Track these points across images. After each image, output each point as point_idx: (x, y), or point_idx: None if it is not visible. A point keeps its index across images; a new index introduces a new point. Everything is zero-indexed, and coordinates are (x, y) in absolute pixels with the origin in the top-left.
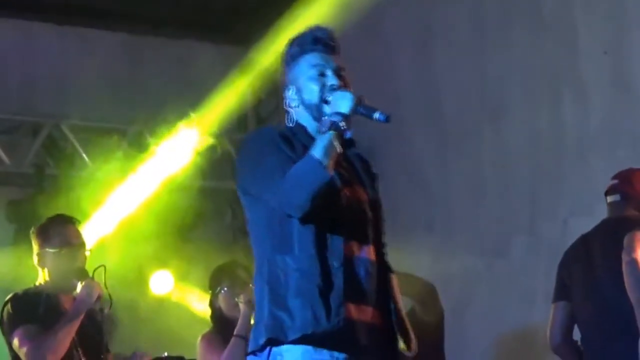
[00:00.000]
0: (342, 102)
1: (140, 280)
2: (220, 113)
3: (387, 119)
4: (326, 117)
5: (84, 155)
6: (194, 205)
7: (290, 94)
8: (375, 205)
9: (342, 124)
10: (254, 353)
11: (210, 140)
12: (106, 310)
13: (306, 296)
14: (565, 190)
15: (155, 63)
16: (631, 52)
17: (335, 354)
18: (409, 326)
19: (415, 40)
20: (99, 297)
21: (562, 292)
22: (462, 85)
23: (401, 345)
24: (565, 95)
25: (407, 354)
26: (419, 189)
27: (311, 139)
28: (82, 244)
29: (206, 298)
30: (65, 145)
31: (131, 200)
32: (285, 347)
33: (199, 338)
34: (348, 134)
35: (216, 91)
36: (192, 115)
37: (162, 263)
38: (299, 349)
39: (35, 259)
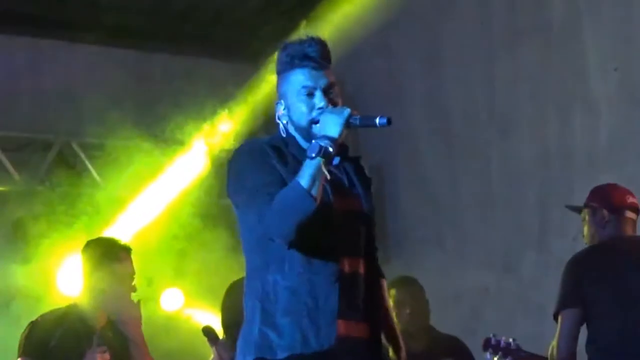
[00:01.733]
0: (331, 125)
1: (150, 297)
2: (229, 131)
3: (388, 121)
4: (314, 141)
5: (94, 172)
6: (204, 221)
7: (280, 109)
8: (368, 214)
9: (331, 149)
10: None
11: (221, 157)
12: None
13: (295, 315)
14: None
15: (165, 80)
16: (639, 67)
17: None
18: (398, 335)
19: (424, 56)
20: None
21: (576, 297)
22: (470, 101)
23: (391, 354)
24: (575, 111)
25: None
26: (428, 206)
27: (302, 151)
28: (133, 276)
29: (217, 313)
30: (75, 162)
31: (142, 217)
32: None
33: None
34: (336, 160)
35: (225, 109)
36: (204, 130)
37: (173, 280)
38: None
39: (82, 277)
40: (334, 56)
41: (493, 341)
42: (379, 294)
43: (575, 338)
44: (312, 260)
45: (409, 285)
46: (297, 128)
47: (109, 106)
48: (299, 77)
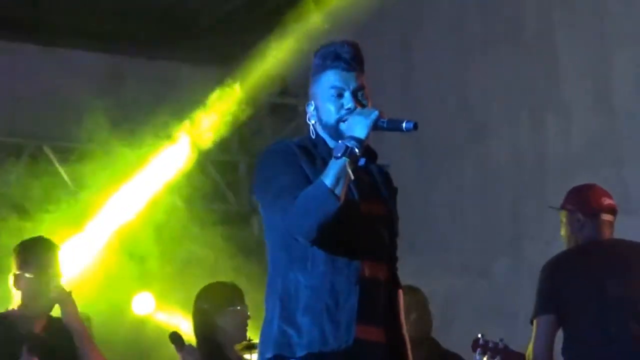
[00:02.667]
0: (358, 127)
1: (122, 302)
2: (203, 134)
3: (415, 126)
4: (340, 142)
5: (66, 176)
6: (176, 226)
7: (310, 110)
8: (392, 220)
9: (357, 150)
10: None
11: (193, 161)
12: None
13: (315, 314)
14: (549, 211)
15: (138, 84)
16: (612, 73)
17: None
18: (408, 344)
19: (397, 60)
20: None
21: (551, 304)
22: (443, 105)
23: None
24: (548, 116)
25: None
26: (400, 209)
27: (331, 152)
28: (58, 272)
29: (188, 318)
30: (47, 166)
31: (114, 221)
32: None
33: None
34: (362, 161)
35: (199, 112)
36: (179, 134)
37: (145, 284)
38: None
39: (11, 279)
40: (306, 61)
41: (481, 341)
42: (397, 302)
43: (550, 343)
44: (335, 260)
45: (415, 293)
46: (325, 127)
47: (82, 110)
48: (330, 78)
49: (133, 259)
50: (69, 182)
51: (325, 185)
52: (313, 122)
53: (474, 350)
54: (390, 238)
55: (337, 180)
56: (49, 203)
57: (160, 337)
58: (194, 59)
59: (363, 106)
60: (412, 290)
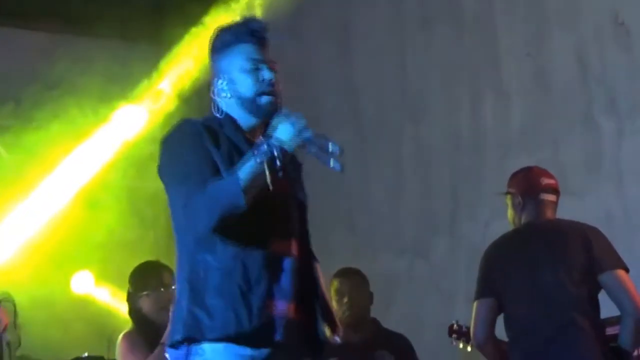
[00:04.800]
0: (288, 139)
1: (61, 280)
2: (142, 113)
3: (341, 169)
4: (266, 143)
5: (4, 152)
6: (115, 204)
7: (221, 84)
8: (299, 198)
9: (279, 162)
10: (171, 347)
11: (132, 138)
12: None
13: (228, 296)
14: (487, 192)
15: (80, 62)
16: (551, 53)
17: (256, 351)
18: (334, 313)
19: (334, 40)
20: (5, 327)
21: (488, 288)
22: (381, 86)
23: (327, 332)
24: (486, 96)
25: (334, 340)
26: (338, 189)
27: (239, 133)
28: None
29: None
30: None
31: (54, 199)
32: (206, 344)
33: (120, 337)
34: (280, 174)
35: (138, 91)
36: (120, 108)
37: (83, 262)
38: (220, 346)
39: None
40: None
41: (455, 326)
42: (312, 277)
43: (489, 324)
44: (245, 242)
45: (350, 276)
46: (242, 100)
47: (19, 88)
48: (246, 50)
49: (73, 236)
50: (7, 158)
51: (238, 184)
52: (224, 95)
53: (450, 336)
54: (299, 214)
55: (252, 182)
56: None
57: (99, 316)
58: (132, 38)
59: (278, 81)
60: (347, 274)
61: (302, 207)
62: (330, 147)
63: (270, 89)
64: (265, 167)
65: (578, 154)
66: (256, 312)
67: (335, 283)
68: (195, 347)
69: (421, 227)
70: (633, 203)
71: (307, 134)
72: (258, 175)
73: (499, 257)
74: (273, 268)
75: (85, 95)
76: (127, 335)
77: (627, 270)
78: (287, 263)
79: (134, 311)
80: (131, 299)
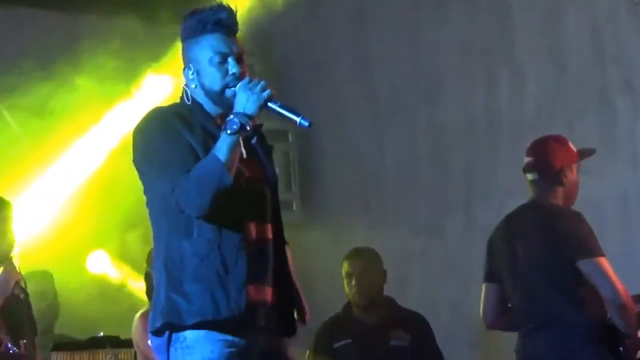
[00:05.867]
0: (249, 103)
1: (76, 260)
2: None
3: (309, 125)
4: (233, 117)
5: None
6: (132, 186)
7: (189, 74)
8: (273, 181)
9: (249, 127)
10: (154, 333)
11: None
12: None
13: (205, 282)
14: (501, 172)
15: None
16: (566, 34)
17: (236, 339)
18: (303, 298)
19: (350, 22)
20: (17, 282)
21: (491, 274)
22: (397, 66)
23: (295, 316)
24: (501, 77)
25: (302, 325)
26: (354, 169)
27: (209, 118)
28: (8, 232)
29: (142, 278)
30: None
31: (71, 179)
32: (188, 332)
33: (136, 317)
34: (254, 140)
35: (164, 61)
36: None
37: (100, 243)
38: (201, 332)
39: None
40: (260, 24)
41: None
42: (286, 260)
43: (496, 308)
44: (221, 227)
45: (359, 256)
46: (209, 93)
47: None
48: (212, 42)
49: (90, 216)
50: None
51: (220, 161)
52: (193, 86)
53: None
54: (272, 198)
55: (231, 156)
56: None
57: (116, 296)
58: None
59: (244, 72)
60: (356, 255)
61: (274, 189)
62: (300, 119)
63: (236, 82)
64: (239, 137)
65: (593, 134)
66: (234, 296)
67: (345, 265)
68: (176, 335)
69: (436, 207)
70: None
71: (266, 93)
72: (234, 148)
73: (493, 243)
74: (249, 252)
75: (106, 71)
76: (143, 314)
77: (604, 256)
78: (263, 247)
79: (151, 291)
80: (149, 278)
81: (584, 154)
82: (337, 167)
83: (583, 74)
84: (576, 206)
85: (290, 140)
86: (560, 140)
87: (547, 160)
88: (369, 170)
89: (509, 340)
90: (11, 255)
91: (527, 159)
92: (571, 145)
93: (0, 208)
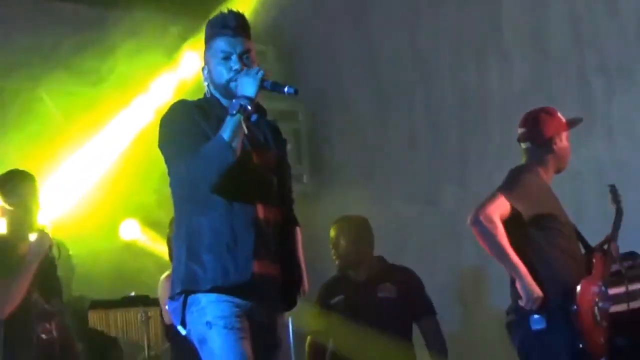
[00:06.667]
0: (247, 86)
1: (111, 228)
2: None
3: (295, 92)
4: (234, 100)
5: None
6: (159, 161)
7: (205, 73)
8: (283, 167)
9: (249, 107)
10: (171, 298)
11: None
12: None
13: (217, 252)
14: (491, 146)
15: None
16: (548, 22)
17: (243, 301)
18: (304, 275)
19: (353, 12)
20: (51, 247)
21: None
22: (397, 51)
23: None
24: (491, 60)
25: (299, 297)
26: (359, 143)
27: (224, 111)
28: (36, 202)
29: (165, 242)
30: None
31: (104, 153)
32: (201, 295)
33: (161, 279)
34: (254, 117)
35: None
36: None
37: (131, 211)
38: (213, 295)
39: None
40: (272, 14)
41: None
42: (292, 240)
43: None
44: (232, 205)
45: (344, 220)
46: (217, 88)
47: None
48: (219, 44)
49: (122, 186)
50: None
51: (224, 139)
52: (206, 84)
53: None
54: (281, 184)
55: (234, 135)
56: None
57: (145, 260)
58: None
59: (248, 67)
60: (342, 220)
61: (284, 177)
62: (286, 87)
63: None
64: (241, 117)
65: (573, 111)
66: (242, 265)
67: (332, 231)
68: (192, 298)
69: (432, 178)
70: (623, 155)
71: (260, 74)
72: (237, 128)
73: None
74: (257, 230)
75: (140, 53)
76: (168, 277)
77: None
78: (270, 226)
79: (172, 254)
80: (170, 242)
81: (572, 123)
82: (343, 142)
83: (563, 57)
84: (556, 177)
85: (300, 119)
86: (550, 112)
87: (538, 129)
88: (372, 145)
89: (501, 299)
90: (43, 225)
91: (520, 130)
92: (560, 115)
93: (26, 181)
